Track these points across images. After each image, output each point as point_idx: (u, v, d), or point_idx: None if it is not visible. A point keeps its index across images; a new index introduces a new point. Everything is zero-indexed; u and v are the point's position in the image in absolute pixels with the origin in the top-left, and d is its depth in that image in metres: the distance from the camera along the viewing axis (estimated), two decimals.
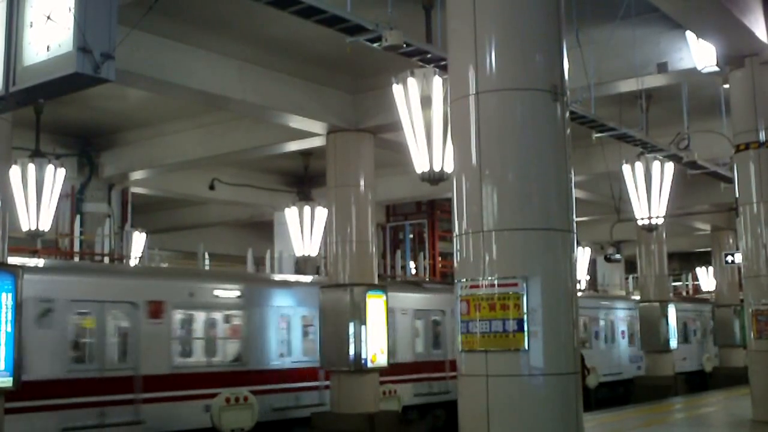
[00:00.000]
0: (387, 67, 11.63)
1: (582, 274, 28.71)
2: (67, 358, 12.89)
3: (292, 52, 13.40)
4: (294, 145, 16.85)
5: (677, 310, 25.19)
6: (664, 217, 15.33)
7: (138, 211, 21.34)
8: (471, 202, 6.79)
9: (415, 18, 10.77)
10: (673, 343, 24.07)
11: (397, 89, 10.63)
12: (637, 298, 26.29)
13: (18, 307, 9.45)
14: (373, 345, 14.70)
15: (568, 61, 7.10)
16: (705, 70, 12.25)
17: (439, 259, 25.54)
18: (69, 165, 16.99)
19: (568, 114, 6.99)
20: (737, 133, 12.61)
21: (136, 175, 19.11)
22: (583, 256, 28.27)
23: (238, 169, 20.97)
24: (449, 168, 8.92)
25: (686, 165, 15.44)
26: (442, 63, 9.73)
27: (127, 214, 19.84)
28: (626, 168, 15.03)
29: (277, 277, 18.60)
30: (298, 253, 19.72)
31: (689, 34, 11.99)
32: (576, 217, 6.96)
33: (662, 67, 12.54)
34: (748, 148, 12.30)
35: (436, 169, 10.70)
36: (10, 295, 9.36)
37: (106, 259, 17.50)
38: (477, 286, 6.60)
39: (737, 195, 12.70)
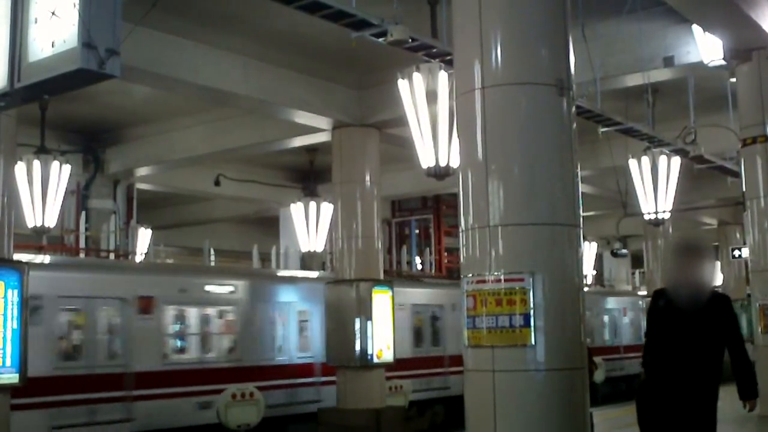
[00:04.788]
0: (392, 63, 11.61)
1: (588, 269, 28.66)
2: None
3: (297, 47, 13.37)
4: (299, 141, 16.85)
5: None
6: (670, 211, 15.29)
7: (143, 207, 21.36)
8: (477, 197, 6.76)
9: (420, 13, 10.75)
10: None
11: (402, 84, 10.61)
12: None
13: (24, 304, 9.47)
14: (379, 340, 14.70)
15: (574, 55, 7.06)
16: (711, 64, 12.21)
17: (445, 254, 25.51)
18: (74, 161, 17.01)
19: (574, 108, 6.95)
20: (744, 127, 12.55)
21: (142, 171, 19.13)
22: (589, 251, 28.22)
23: (244, 165, 20.96)
24: (455, 163, 8.90)
25: (693, 159, 15.39)
26: (448, 58, 9.72)
27: (132, 211, 19.87)
28: (632, 162, 14.99)
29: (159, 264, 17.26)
30: (304, 248, 19.73)
31: (696, 28, 11.94)
32: (582, 211, 6.93)
33: (668, 61, 12.49)
34: (755, 142, 12.24)
35: (442, 164, 10.70)
36: (16, 292, 9.37)
37: (112, 256, 17.53)
38: (483, 281, 6.57)
39: (744, 189, 12.65)
